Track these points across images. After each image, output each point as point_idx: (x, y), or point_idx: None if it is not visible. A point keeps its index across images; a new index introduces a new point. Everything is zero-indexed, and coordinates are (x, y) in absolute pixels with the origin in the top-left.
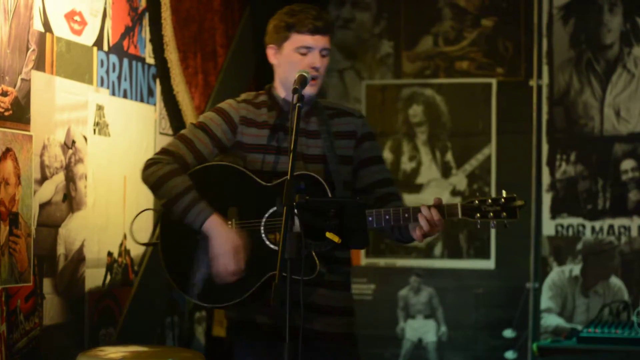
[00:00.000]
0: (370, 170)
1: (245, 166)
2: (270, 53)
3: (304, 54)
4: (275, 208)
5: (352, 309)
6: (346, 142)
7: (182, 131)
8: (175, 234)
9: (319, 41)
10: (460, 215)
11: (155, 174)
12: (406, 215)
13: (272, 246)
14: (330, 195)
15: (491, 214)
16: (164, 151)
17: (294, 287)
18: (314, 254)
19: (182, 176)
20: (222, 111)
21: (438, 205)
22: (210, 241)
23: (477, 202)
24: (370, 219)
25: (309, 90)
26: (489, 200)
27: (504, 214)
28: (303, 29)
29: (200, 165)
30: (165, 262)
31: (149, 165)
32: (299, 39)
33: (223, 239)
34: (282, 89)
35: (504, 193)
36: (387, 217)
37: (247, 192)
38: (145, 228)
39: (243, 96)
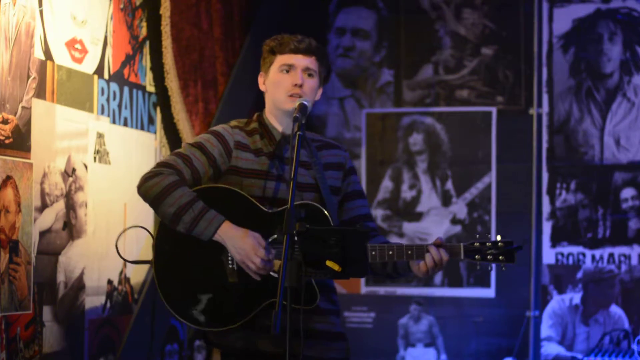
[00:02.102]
0: (356, 204)
1: (242, 191)
2: (260, 81)
3: (286, 72)
4: (275, 236)
5: (345, 334)
6: (335, 173)
7: (178, 149)
8: (171, 254)
9: (300, 60)
10: (462, 257)
11: (159, 184)
12: (409, 252)
13: (272, 274)
14: (332, 223)
15: (490, 257)
16: (162, 164)
17: (293, 316)
18: (314, 283)
19: (186, 187)
20: (218, 134)
21: (441, 245)
22: (228, 247)
23: (477, 244)
24: (373, 253)
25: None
26: (488, 244)
27: (502, 257)
28: (285, 49)
29: (198, 186)
30: (159, 283)
31: (150, 177)
32: (281, 59)
33: (241, 237)
34: (271, 116)
35: (498, 237)
36: (391, 252)
37: (248, 217)
38: (137, 248)
39: (234, 122)
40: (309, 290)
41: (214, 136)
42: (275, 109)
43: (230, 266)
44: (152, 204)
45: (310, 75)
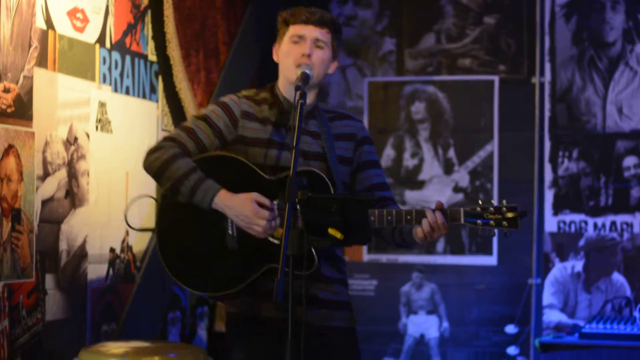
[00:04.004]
0: (369, 174)
1: (247, 160)
2: (275, 52)
3: (296, 42)
4: (277, 202)
5: (350, 304)
6: (346, 144)
7: (184, 122)
8: (172, 221)
9: (311, 31)
10: (462, 221)
11: (160, 158)
12: (408, 217)
13: (272, 240)
14: (332, 192)
15: (492, 222)
16: (165, 139)
17: (295, 283)
18: (313, 250)
19: (186, 158)
20: (224, 105)
21: (441, 209)
22: (228, 214)
23: (479, 209)
24: (372, 218)
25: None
26: (491, 208)
27: (505, 223)
28: (297, 19)
29: (203, 155)
30: (161, 249)
31: (152, 152)
32: (292, 30)
33: (240, 203)
34: (283, 87)
35: (504, 202)
36: (390, 217)
37: (250, 184)
38: (144, 216)
39: (244, 92)
40: (307, 257)
41: (220, 107)
42: (285, 80)
43: (230, 233)
44: (154, 177)
45: (319, 46)
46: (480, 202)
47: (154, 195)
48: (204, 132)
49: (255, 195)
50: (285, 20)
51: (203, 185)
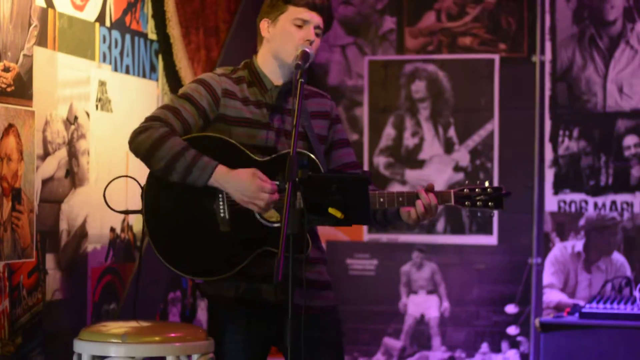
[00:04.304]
0: (343, 152)
1: (232, 139)
2: (263, 27)
3: (299, 26)
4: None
5: (331, 283)
6: (321, 122)
7: (166, 102)
8: (162, 204)
9: (315, 17)
10: (453, 203)
11: (150, 137)
12: (400, 199)
13: (264, 222)
14: (322, 171)
15: (479, 202)
16: (151, 118)
17: (292, 264)
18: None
19: (177, 137)
20: (205, 82)
21: (432, 191)
22: (228, 190)
23: (466, 190)
24: None
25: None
26: (477, 190)
27: (491, 203)
28: (301, 2)
29: (189, 135)
30: (150, 233)
31: (140, 132)
32: (296, 11)
33: (242, 177)
34: (265, 65)
35: (486, 183)
36: (382, 199)
37: (240, 165)
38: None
39: (220, 70)
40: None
41: (202, 85)
42: (272, 59)
43: (222, 215)
44: (143, 158)
45: (317, 34)
46: (478, 182)
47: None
48: (189, 112)
49: (255, 170)
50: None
51: (200, 162)
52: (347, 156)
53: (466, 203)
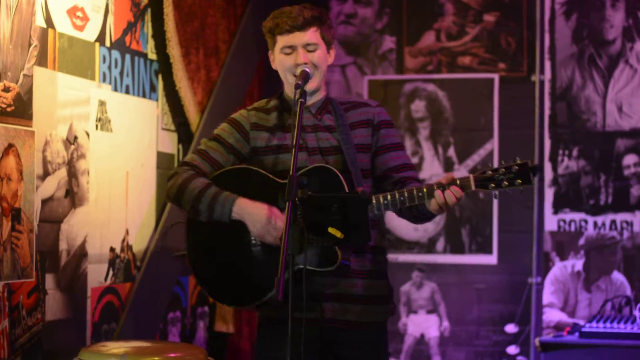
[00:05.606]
0: (389, 156)
1: (264, 169)
2: (271, 59)
3: (288, 54)
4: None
5: (384, 297)
6: (362, 131)
7: (198, 145)
8: (199, 243)
9: (299, 38)
10: (473, 188)
11: (175, 184)
12: (420, 194)
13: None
14: (345, 186)
15: (505, 182)
16: (181, 164)
17: (316, 280)
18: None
19: (200, 178)
20: (233, 120)
21: (452, 180)
22: (247, 223)
23: (489, 172)
24: (385, 202)
25: (307, 86)
26: (502, 169)
27: (519, 180)
28: (282, 29)
29: (218, 171)
30: (195, 273)
31: (169, 179)
32: (282, 40)
33: (258, 213)
34: (290, 92)
35: (513, 160)
36: (402, 198)
37: (263, 190)
38: (140, 214)
39: (254, 105)
40: (328, 253)
41: (229, 123)
42: (286, 85)
43: (253, 242)
44: (176, 204)
45: (311, 50)
46: (490, 165)
47: (155, 198)
48: (217, 151)
49: (270, 207)
50: (271, 31)
51: (219, 198)
52: (394, 160)
53: (491, 185)
